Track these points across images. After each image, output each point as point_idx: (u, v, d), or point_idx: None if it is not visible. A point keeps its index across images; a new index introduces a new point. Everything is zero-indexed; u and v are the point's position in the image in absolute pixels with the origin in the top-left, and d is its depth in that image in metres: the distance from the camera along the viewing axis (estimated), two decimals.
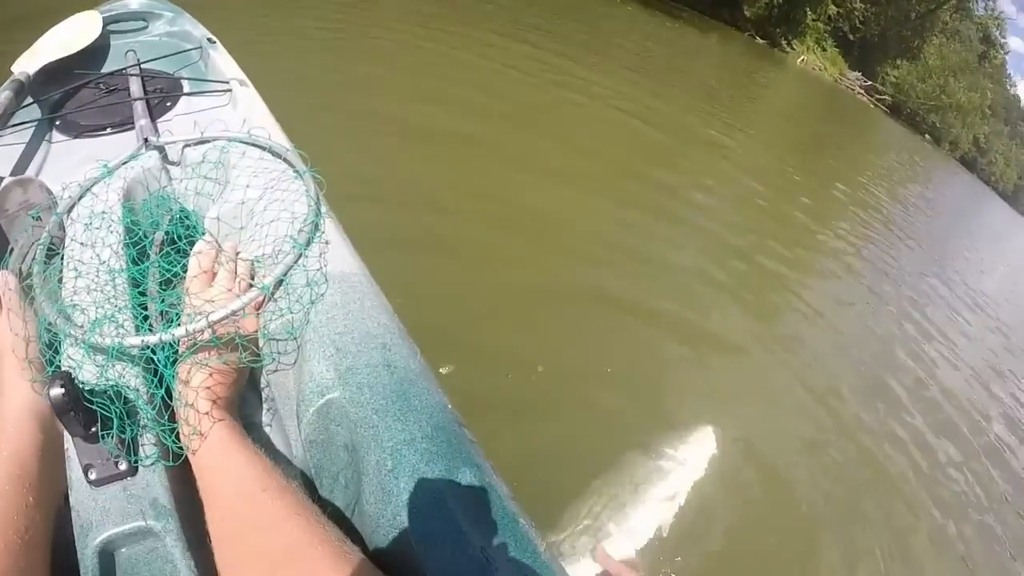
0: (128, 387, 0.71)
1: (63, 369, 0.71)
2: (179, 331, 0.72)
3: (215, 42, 1.67)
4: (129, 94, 1.32)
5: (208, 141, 1.11)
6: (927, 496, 3.36)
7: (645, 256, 4.34)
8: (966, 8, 39.44)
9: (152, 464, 0.69)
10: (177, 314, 0.82)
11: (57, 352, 0.75)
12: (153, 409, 0.71)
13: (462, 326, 2.84)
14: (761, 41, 26.29)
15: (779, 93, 18.20)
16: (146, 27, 1.80)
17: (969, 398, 4.96)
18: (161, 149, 1.10)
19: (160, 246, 0.94)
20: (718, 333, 3.83)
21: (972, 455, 4.14)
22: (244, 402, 0.87)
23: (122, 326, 0.77)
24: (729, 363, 3.60)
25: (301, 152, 1.08)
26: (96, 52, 1.57)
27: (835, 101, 24.65)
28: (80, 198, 0.96)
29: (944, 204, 16.56)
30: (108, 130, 1.26)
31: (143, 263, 0.89)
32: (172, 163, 1.11)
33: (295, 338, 0.81)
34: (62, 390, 0.60)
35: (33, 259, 0.85)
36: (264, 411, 0.90)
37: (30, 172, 1.11)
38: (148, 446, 0.70)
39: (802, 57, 27.78)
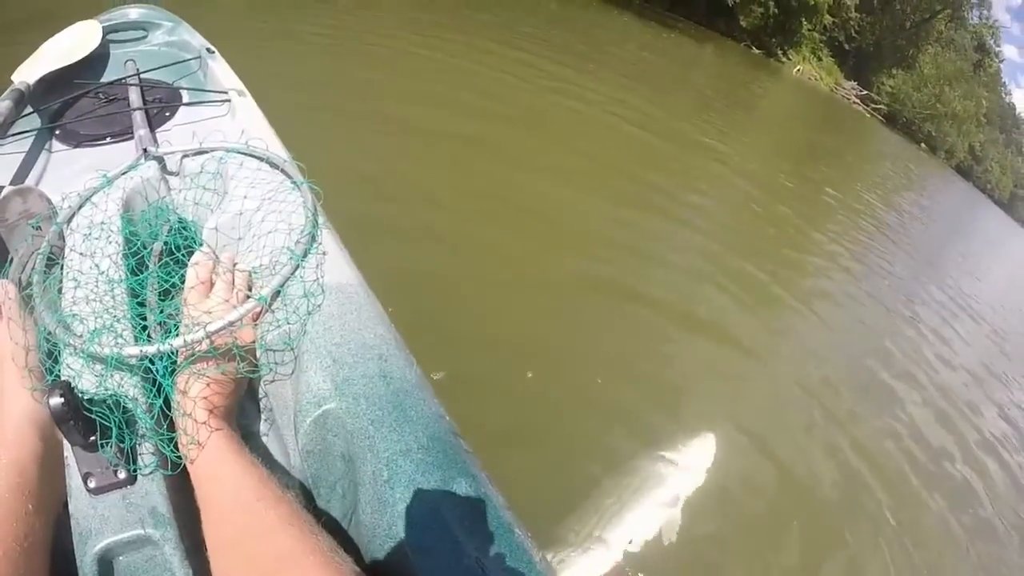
0: (127, 396, 0.72)
1: (62, 378, 0.72)
2: (177, 342, 0.73)
3: (214, 52, 1.68)
4: (128, 104, 1.33)
5: (206, 152, 1.12)
6: (930, 508, 3.36)
7: (640, 256, 4.36)
8: (960, 17, 39.64)
9: (151, 473, 0.69)
10: (175, 325, 0.82)
11: (56, 361, 0.75)
12: (152, 418, 0.72)
13: (457, 326, 2.85)
14: (757, 51, 26.43)
15: (775, 102, 18.27)
16: (145, 37, 1.81)
17: (966, 400, 4.99)
18: (160, 159, 1.10)
19: (159, 257, 0.94)
20: (715, 335, 3.83)
21: (971, 455, 4.17)
22: (242, 412, 0.87)
23: (121, 336, 0.77)
24: (726, 366, 3.60)
25: (299, 163, 1.08)
26: (96, 62, 1.58)
27: (831, 110, 24.75)
28: (80, 208, 0.96)
29: (939, 211, 16.62)
30: (107, 140, 1.26)
31: (142, 273, 0.89)
32: (171, 173, 1.11)
33: (292, 349, 0.82)
34: (62, 399, 0.60)
35: (33, 268, 0.86)
36: (262, 421, 0.90)
37: (30, 181, 1.11)
38: (147, 455, 0.70)
39: (798, 67, 27.92)
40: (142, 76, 1.47)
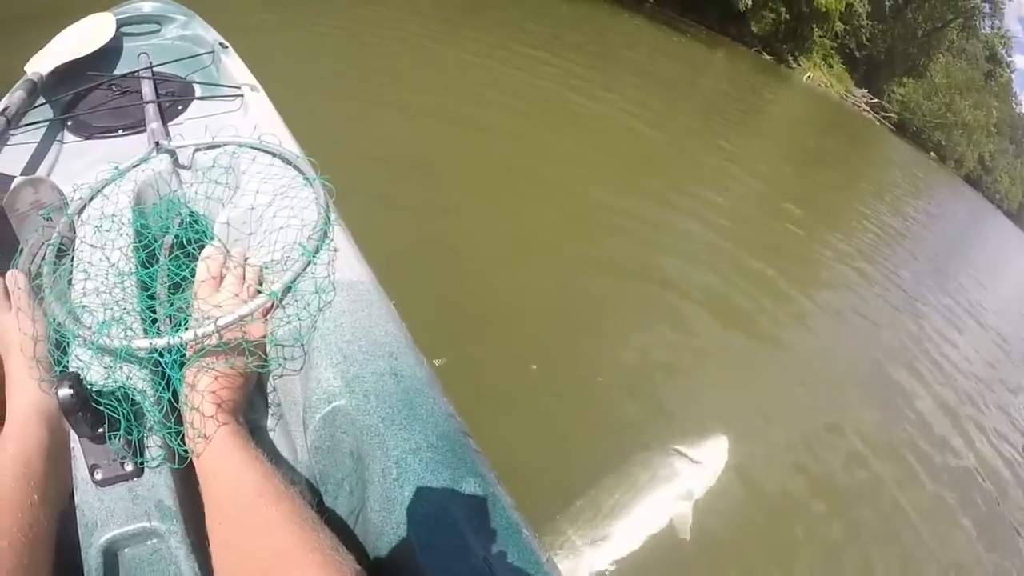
0: (135, 389, 0.72)
1: (71, 370, 0.72)
2: (187, 335, 0.73)
3: (227, 47, 1.68)
4: (141, 97, 1.33)
5: (219, 146, 1.12)
6: (942, 515, 3.36)
7: (650, 251, 4.42)
8: (972, 27, 39.41)
9: (158, 466, 0.69)
10: (185, 318, 0.82)
11: (65, 353, 0.75)
12: (160, 411, 0.72)
13: (463, 313, 2.87)
14: (768, 57, 26.31)
15: (785, 108, 18.23)
16: (159, 30, 1.82)
17: (983, 405, 5.02)
18: (172, 153, 1.10)
19: (169, 250, 0.94)
20: (727, 333, 3.86)
21: (988, 465, 4.17)
22: (250, 407, 0.87)
23: (130, 328, 0.77)
24: (738, 363, 3.63)
25: (311, 159, 1.08)
26: (109, 54, 1.58)
27: (840, 117, 24.65)
28: (91, 200, 0.96)
29: (947, 219, 16.55)
30: (120, 132, 1.26)
31: (152, 266, 0.90)
32: (183, 167, 1.11)
33: (302, 345, 0.82)
34: (70, 390, 0.60)
35: (43, 259, 0.86)
36: (270, 416, 0.90)
37: (41, 172, 1.11)
38: (154, 448, 0.70)
39: (808, 73, 27.81)
40: (155, 69, 1.47)
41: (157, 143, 1.10)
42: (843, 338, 4.82)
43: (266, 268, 0.91)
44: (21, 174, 1.07)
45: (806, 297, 5.08)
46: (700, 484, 2.51)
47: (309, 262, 0.88)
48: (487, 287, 3.18)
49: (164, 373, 0.75)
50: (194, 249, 0.95)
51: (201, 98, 1.43)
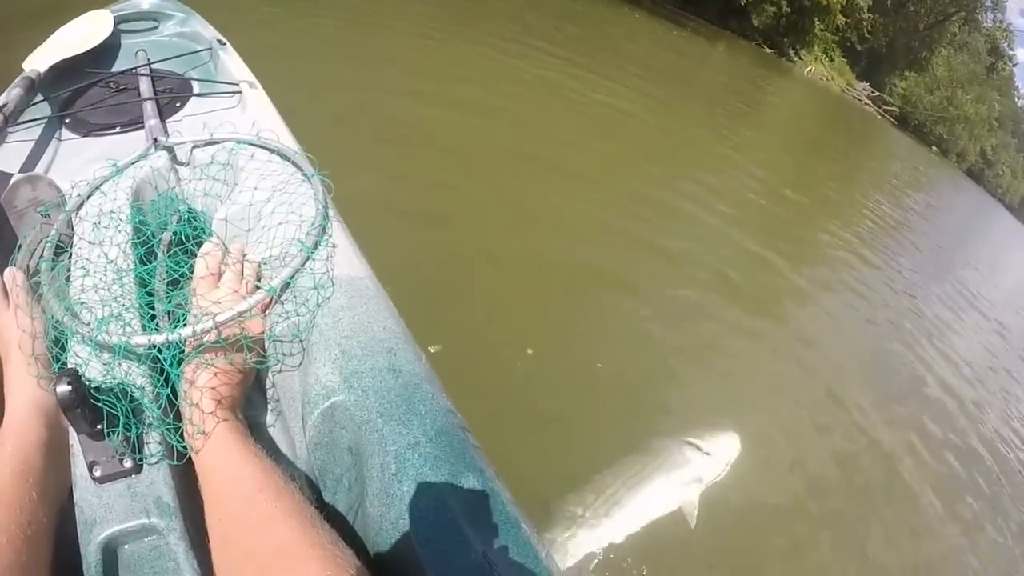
0: (134, 385, 0.72)
1: (70, 366, 0.72)
2: (185, 331, 0.73)
3: (225, 43, 1.68)
4: (139, 94, 1.33)
5: (217, 142, 1.11)
6: (953, 514, 3.34)
7: (647, 240, 4.38)
8: (974, 20, 39.27)
9: (156, 462, 0.69)
10: (183, 314, 0.82)
11: (64, 349, 0.75)
12: (158, 408, 0.72)
13: (457, 299, 2.87)
14: (769, 51, 26.23)
15: (786, 101, 18.17)
16: (157, 27, 1.81)
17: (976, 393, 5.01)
18: (170, 149, 1.10)
19: (168, 246, 0.94)
20: (726, 321, 3.84)
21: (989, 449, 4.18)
22: (249, 403, 0.87)
23: (129, 325, 0.77)
24: (737, 353, 3.61)
25: (309, 156, 1.08)
26: (107, 51, 1.58)
27: (842, 111, 24.58)
28: (89, 196, 0.96)
29: (949, 212, 16.52)
30: (118, 129, 1.26)
31: (150, 263, 0.90)
32: (181, 164, 1.11)
33: (301, 341, 0.82)
34: (69, 387, 0.60)
35: (41, 256, 0.86)
36: (269, 412, 0.90)
37: (39, 169, 1.11)
38: (153, 444, 0.70)
39: (809, 67, 27.70)
40: (153, 66, 1.47)
41: (155, 140, 1.10)
42: (847, 326, 4.82)
43: (264, 264, 0.91)
44: (19, 171, 1.07)
45: (809, 284, 5.08)
46: (710, 473, 2.50)
47: (307, 258, 0.87)
48: (484, 270, 3.20)
49: (163, 369, 0.75)
50: (192, 246, 0.95)
51: (199, 95, 1.43)
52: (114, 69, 1.49)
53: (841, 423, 3.47)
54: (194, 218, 1.04)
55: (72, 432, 0.68)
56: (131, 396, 0.70)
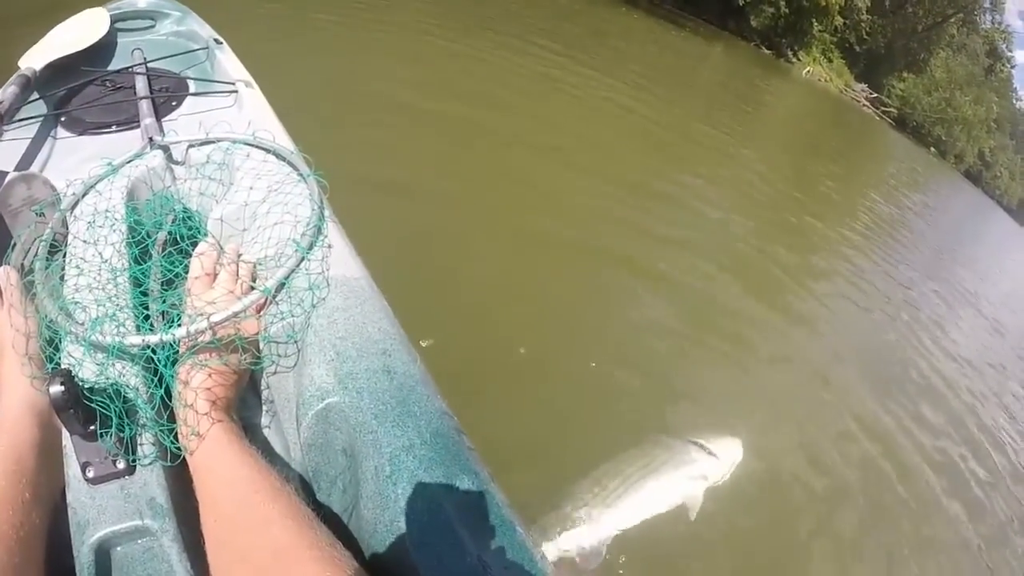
0: (128, 386, 0.71)
1: (63, 366, 0.71)
2: (180, 331, 0.72)
3: (222, 43, 1.68)
4: (135, 93, 1.32)
5: (213, 142, 1.11)
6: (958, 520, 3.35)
7: (642, 238, 4.38)
8: (972, 21, 39.32)
9: (150, 464, 0.69)
10: (178, 315, 0.82)
11: (57, 349, 0.75)
12: (152, 409, 0.71)
13: (450, 294, 2.86)
14: (767, 52, 26.27)
15: (783, 101, 18.18)
16: (153, 26, 1.81)
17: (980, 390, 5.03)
18: (166, 148, 1.10)
19: (162, 246, 0.94)
20: (719, 322, 3.83)
21: (992, 451, 4.19)
22: (243, 404, 0.87)
23: (123, 325, 0.77)
24: (732, 355, 3.58)
25: (305, 155, 1.07)
26: (103, 50, 1.57)
27: (840, 112, 24.59)
28: (84, 195, 0.96)
29: (946, 213, 16.57)
30: (113, 128, 1.26)
31: (145, 263, 0.89)
32: (176, 163, 1.11)
33: (296, 342, 0.81)
34: (62, 387, 0.60)
35: (35, 255, 0.85)
36: (263, 413, 0.90)
37: (34, 168, 1.11)
38: (147, 445, 0.70)
39: (808, 68, 27.73)
40: (149, 65, 1.47)
41: (151, 139, 1.10)
42: (844, 326, 4.83)
43: (260, 264, 0.90)
44: (14, 170, 1.07)
45: (807, 284, 5.09)
46: (714, 473, 2.49)
47: (303, 258, 0.87)
48: (476, 270, 3.19)
49: (157, 370, 0.74)
50: (187, 245, 0.94)
51: (195, 94, 1.43)
52: (110, 68, 1.49)
53: (844, 425, 3.47)
54: (189, 218, 1.03)
55: (65, 433, 0.68)
56: (125, 397, 0.70)
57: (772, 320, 4.21)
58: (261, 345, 0.83)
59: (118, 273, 0.83)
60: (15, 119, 1.18)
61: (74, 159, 1.14)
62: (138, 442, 0.70)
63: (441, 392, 0.78)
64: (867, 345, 4.71)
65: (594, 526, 2.08)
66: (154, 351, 0.74)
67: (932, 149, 35.18)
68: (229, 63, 1.56)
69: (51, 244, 0.88)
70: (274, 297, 0.83)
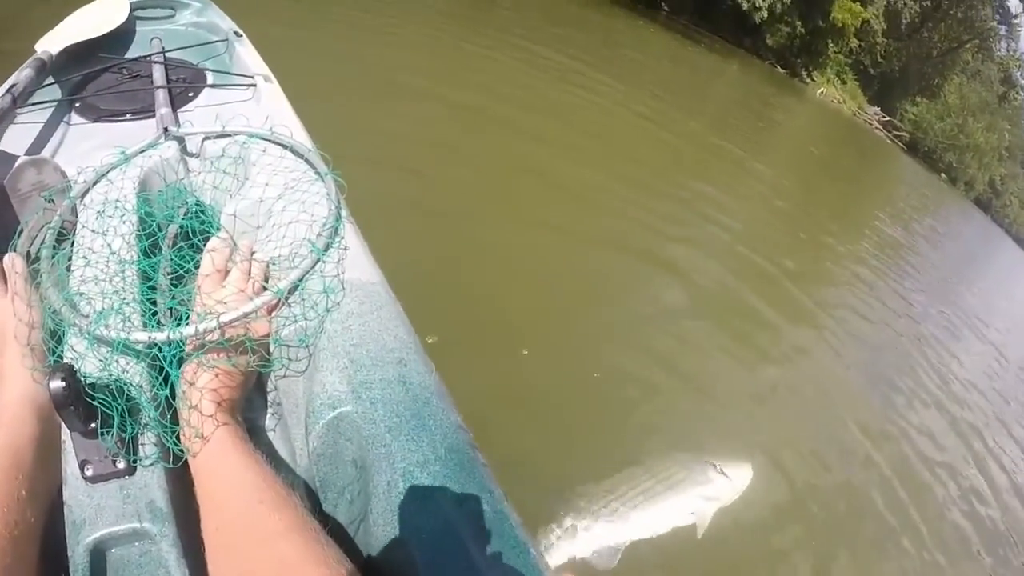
0: (131, 384, 0.69)
1: (65, 360, 0.69)
2: (188, 330, 0.70)
3: (242, 35, 1.66)
4: (152, 81, 1.31)
5: (229, 135, 1.09)
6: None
7: (648, 254, 4.38)
8: (988, 48, 39.38)
9: (151, 464, 0.67)
10: (186, 312, 0.80)
11: (60, 342, 0.73)
12: (155, 408, 0.69)
13: (459, 293, 2.88)
14: (781, 71, 26.30)
15: (796, 121, 18.23)
16: (173, 15, 1.80)
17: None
18: (180, 140, 1.08)
19: (173, 240, 0.92)
20: (724, 340, 3.81)
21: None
22: (248, 404, 0.84)
23: (129, 320, 0.75)
24: (735, 374, 3.58)
25: (323, 153, 1.05)
26: (121, 37, 1.56)
27: (852, 133, 24.60)
28: (95, 184, 0.94)
29: (956, 239, 16.54)
30: (128, 116, 1.24)
31: (155, 256, 0.87)
32: (191, 155, 1.09)
33: (308, 346, 0.79)
34: (63, 383, 0.57)
35: (42, 243, 0.84)
36: (269, 416, 0.88)
37: (46, 153, 1.09)
38: (148, 446, 0.68)
39: (821, 89, 27.74)
40: (167, 55, 1.45)
41: (166, 129, 1.08)
42: (854, 344, 4.82)
43: (273, 264, 0.88)
44: (25, 154, 1.05)
45: (814, 305, 5.10)
46: (726, 495, 2.49)
47: (318, 260, 0.85)
48: (486, 269, 3.22)
49: (162, 368, 0.72)
50: (199, 240, 0.92)
51: (213, 86, 1.41)
52: (128, 55, 1.47)
53: (853, 445, 3.47)
54: (202, 212, 1.01)
55: (64, 429, 0.66)
56: (127, 395, 0.68)
57: (785, 331, 4.24)
58: (271, 347, 0.80)
59: (126, 266, 0.81)
60: (29, 102, 1.17)
61: (87, 146, 1.12)
62: (139, 442, 0.67)
63: (456, 405, 0.76)
64: (876, 362, 4.71)
65: (605, 543, 2.07)
66: (160, 349, 0.72)
67: (943, 175, 35.10)
68: (248, 56, 1.55)
69: (59, 232, 0.86)
70: (287, 299, 0.81)
